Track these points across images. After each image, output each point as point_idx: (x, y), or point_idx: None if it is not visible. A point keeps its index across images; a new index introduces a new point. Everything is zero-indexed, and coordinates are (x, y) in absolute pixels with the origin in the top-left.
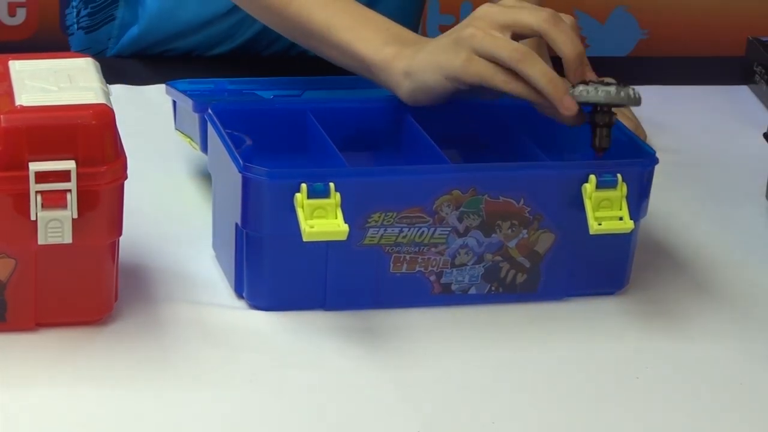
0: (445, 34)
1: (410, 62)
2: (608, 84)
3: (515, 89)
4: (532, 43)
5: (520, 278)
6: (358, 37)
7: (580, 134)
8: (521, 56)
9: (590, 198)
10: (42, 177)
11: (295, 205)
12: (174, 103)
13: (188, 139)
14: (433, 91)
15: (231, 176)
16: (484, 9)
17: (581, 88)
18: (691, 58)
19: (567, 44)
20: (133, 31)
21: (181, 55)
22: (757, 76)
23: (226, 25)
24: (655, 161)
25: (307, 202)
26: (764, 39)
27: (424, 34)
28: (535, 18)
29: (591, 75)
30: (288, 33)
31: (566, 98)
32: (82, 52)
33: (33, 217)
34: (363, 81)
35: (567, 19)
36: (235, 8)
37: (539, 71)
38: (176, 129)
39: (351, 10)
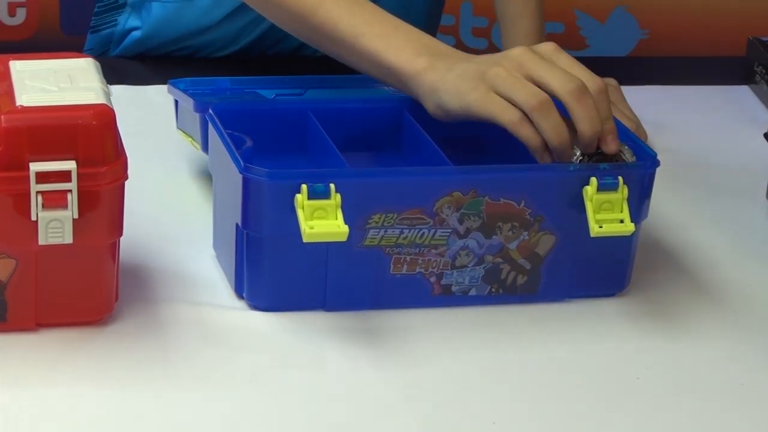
0: (479, 59)
1: (440, 78)
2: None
3: (521, 133)
4: None
5: (521, 280)
6: (389, 46)
7: None
8: (537, 103)
9: (591, 200)
10: (42, 177)
11: (296, 205)
12: (176, 102)
13: (189, 139)
14: (450, 114)
15: (231, 177)
16: (518, 52)
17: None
18: (691, 58)
19: (585, 123)
20: (136, 34)
21: (183, 56)
22: (757, 76)
23: (230, 29)
24: (657, 164)
25: (307, 202)
26: (765, 39)
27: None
28: (561, 86)
29: (613, 146)
30: (312, 40)
31: (565, 153)
32: (86, 52)
33: (33, 218)
34: (364, 81)
35: (595, 86)
36: (237, 14)
37: (551, 124)
38: (178, 128)
39: (380, 18)
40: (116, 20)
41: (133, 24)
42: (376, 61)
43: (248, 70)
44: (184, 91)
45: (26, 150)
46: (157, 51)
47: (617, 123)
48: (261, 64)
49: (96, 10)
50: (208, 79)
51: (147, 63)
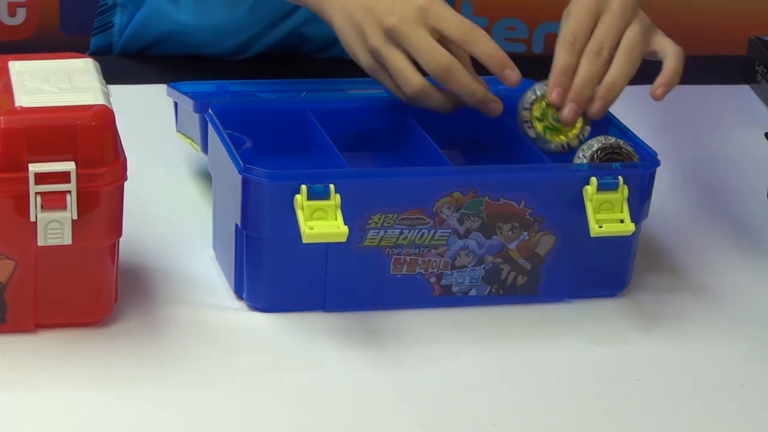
0: None
1: None
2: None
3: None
4: None
5: (521, 280)
6: None
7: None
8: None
9: (591, 200)
10: (42, 178)
11: (295, 206)
12: (176, 105)
13: (189, 141)
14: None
15: (231, 177)
16: None
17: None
18: (692, 57)
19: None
20: (129, 28)
21: (183, 57)
22: (758, 75)
23: (239, 38)
24: (657, 164)
25: (306, 203)
26: (765, 38)
27: None
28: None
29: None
30: None
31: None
32: (91, 53)
33: (33, 219)
34: (364, 82)
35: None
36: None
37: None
38: (178, 131)
39: None
40: (111, 22)
41: (128, 21)
42: None
43: (248, 72)
44: (184, 93)
45: (25, 151)
46: (159, 50)
47: (617, 122)
48: (261, 65)
49: (98, 11)
50: (208, 82)
51: (147, 63)
